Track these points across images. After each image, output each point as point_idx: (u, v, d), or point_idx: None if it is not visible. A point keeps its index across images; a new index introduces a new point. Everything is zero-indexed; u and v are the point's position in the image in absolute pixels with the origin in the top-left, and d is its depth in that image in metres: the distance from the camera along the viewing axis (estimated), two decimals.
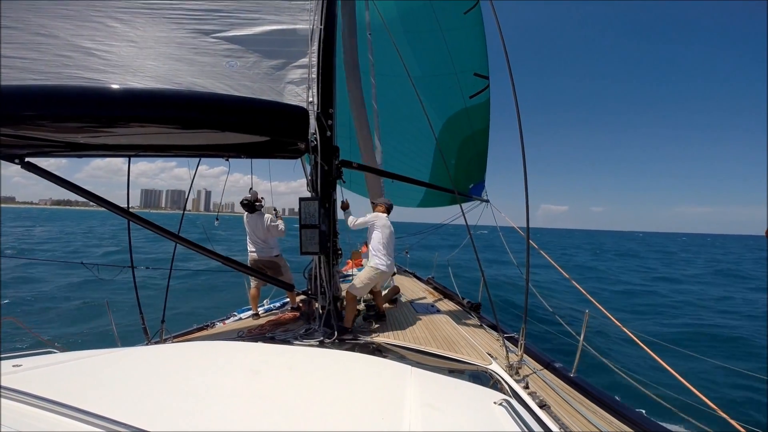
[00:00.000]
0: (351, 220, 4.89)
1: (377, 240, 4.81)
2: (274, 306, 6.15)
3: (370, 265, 4.76)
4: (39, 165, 3.28)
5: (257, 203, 5.48)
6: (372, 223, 4.86)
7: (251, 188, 5.53)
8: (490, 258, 23.86)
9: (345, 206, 4.91)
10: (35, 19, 3.12)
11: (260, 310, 5.84)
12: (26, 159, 3.19)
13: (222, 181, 5.54)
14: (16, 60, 2.94)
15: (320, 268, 4.37)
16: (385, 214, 5.05)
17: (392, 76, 7.88)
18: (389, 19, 7.16)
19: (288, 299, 6.32)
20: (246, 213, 5.46)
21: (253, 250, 5.43)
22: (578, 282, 4.54)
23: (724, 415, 2.81)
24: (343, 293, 4.82)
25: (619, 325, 3.90)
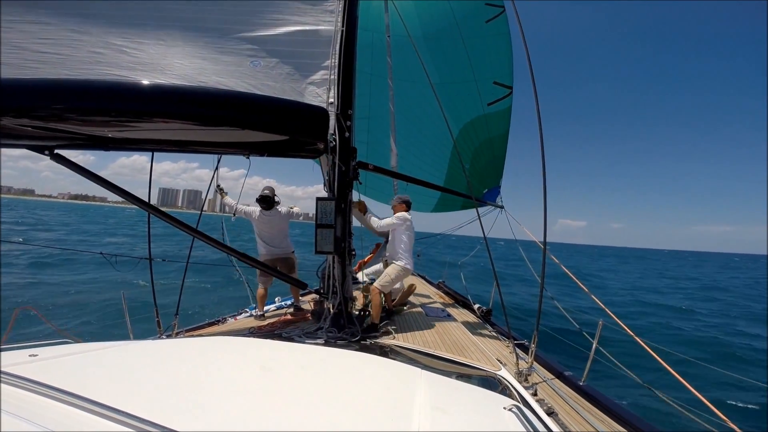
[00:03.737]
0: (375, 222, 4.91)
1: (406, 242, 4.91)
2: (286, 303, 6.18)
3: (400, 265, 4.86)
4: (67, 157, 3.39)
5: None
6: (400, 225, 4.90)
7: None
8: (505, 271, 23.67)
9: (363, 209, 4.93)
10: (70, 17, 3.25)
11: (272, 307, 5.90)
12: (55, 151, 3.29)
13: (241, 183, 5.47)
14: (51, 55, 3.06)
15: (333, 267, 4.41)
16: (408, 213, 5.09)
17: (409, 81, 7.92)
18: (409, 25, 7.21)
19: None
20: (260, 210, 5.33)
21: (268, 248, 5.33)
22: None
23: (734, 427, 2.77)
24: (355, 293, 4.87)
25: (632, 334, 3.88)
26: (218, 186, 5.38)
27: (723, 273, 49.17)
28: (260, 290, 5.38)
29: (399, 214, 5.01)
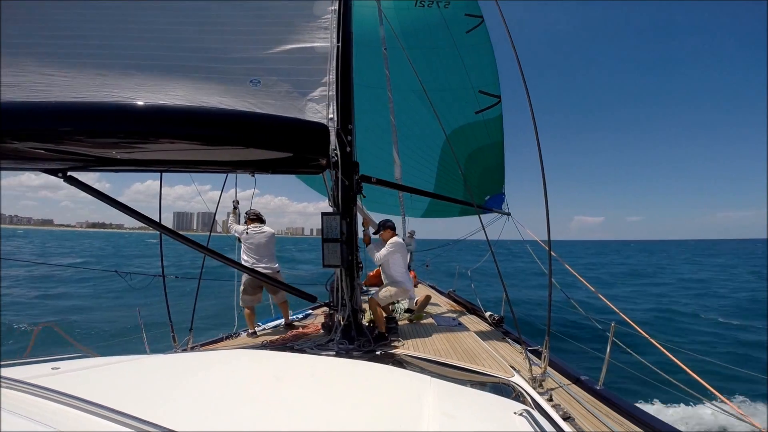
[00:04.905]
0: (377, 258, 5.11)
1: (400, 265, 5.15)
2: (297, 317, 6.24)
3: (400, 288, 5.09)
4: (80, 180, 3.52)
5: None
6: (393, 252, 5.10)
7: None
8: (527, 275, 23.18)
9: (367, 241, 5.19)
10: (71, 39, 3.42)
11: (282, 321, 5.97)
12: (68, 173, 3.42)
13: (253, 203, 5.72)
14: (58, 78, 3.21)
15: (342, 280, 4.45)
16: (395, 237, 5.31)
17: (393, 91, 8.03)
18: (390, 35, 7.36)
19: (310, 311, 6.42)
20: (250, 227, 5.45)
21: (259, 265, 5.33)
22: None
23: (757, 425, 2.71)
24: (365, 305, 4.92)
25: (646, 336, 3.81)
26: (236, 201, 5.57)
27: None
28: (246, 311, 5.41)
29: (391, 240, 5.20)
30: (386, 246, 5.13)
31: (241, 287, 5.37)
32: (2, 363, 1.64)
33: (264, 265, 5.34)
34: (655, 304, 16.81)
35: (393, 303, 5.83)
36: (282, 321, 5.81)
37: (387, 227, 5.36)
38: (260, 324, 5.80)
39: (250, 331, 5.35)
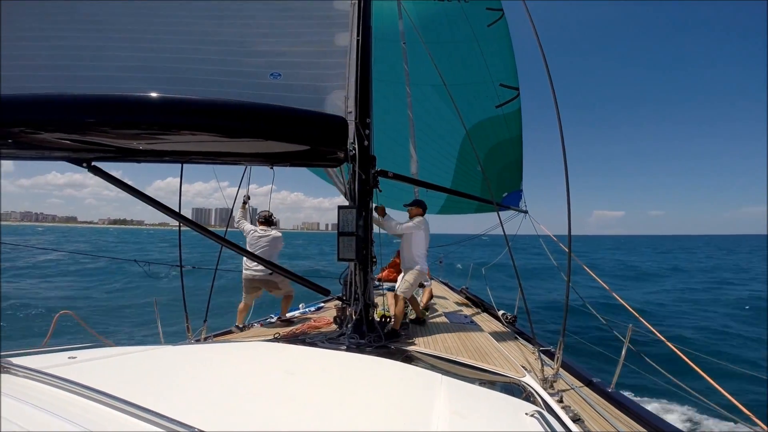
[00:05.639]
0: (393, 225, 5.00)
1: (420, 245, 5.08)
2: (310, 310, 6.30)
3: (417, 270, 5.05)
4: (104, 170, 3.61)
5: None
6: (418, 230, 5.04)
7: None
8: (546, 272, 22.61)
9: (382, 212, 5.03)
10: (96, 33, 3.52)
11: (297, 313, 6.05)
12: (93, 163, 3.51)
13: (269, 199, 5.87)
14: (82, 70, 3.30)
15: (355, 274, 4.47)
16: (423, 216, 5.22)
17: (412, 85, 8.02)
18: (409, 28, 7.34)
19: (322, 304, 6.50)
20: (261, 228, 5.61)
21: (251, 265, 5.44)
22: None
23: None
24: (377, 300, 4.92)
25: (663, 339, 3.76)
26: (246, 196, 5.70)
27: None
28: (241, 305, 5.50)
29: (416, 219, 5.14)
30: (413, 220, 5.09)
31: (243, 285, 5.51)
32: (21, 351, 1.70)
33: (256, 266, 5.41)
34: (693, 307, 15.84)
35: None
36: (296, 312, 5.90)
37: (418, 204, 5.31)
38: (272, 316, 5.87)
39: (240, 325, 5.40)
